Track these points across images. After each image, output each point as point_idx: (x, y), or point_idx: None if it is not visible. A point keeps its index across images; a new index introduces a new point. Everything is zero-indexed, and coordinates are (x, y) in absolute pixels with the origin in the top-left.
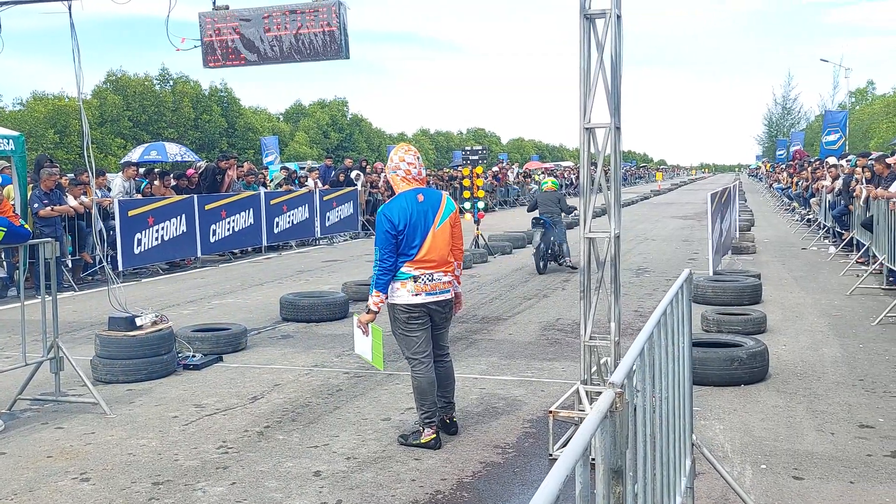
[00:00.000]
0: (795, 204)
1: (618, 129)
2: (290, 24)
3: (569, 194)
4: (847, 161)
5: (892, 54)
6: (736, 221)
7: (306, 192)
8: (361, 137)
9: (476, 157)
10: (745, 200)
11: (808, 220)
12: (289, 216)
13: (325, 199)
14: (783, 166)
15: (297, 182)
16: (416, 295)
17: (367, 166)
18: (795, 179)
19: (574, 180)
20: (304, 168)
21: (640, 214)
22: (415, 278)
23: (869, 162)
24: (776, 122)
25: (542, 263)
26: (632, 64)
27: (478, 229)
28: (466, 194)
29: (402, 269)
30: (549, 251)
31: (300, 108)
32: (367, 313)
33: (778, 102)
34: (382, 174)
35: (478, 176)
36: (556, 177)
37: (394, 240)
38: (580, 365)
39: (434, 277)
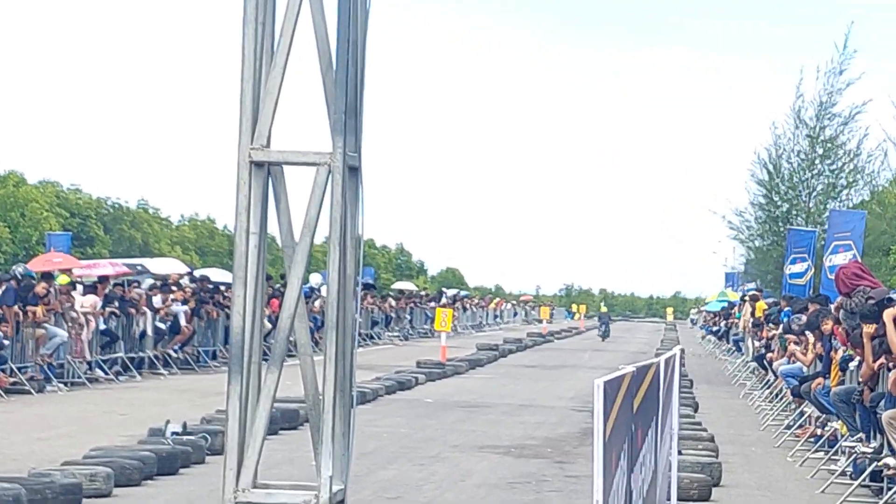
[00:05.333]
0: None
1: (354, 169)
2: None
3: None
4: None
5: None
6: (673, 472)
7: None
8: None
9: None
10: (696, 406)
11: None
12: None
13: None
14: (811, 309)
15: None
16: None
17: None
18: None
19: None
20: None
21: (397, 438)
22: None
23: None
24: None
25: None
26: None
27: None
28: None
29: None
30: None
31: None
32: None
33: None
34: None
35: None
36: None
37: None
38: None
39: None
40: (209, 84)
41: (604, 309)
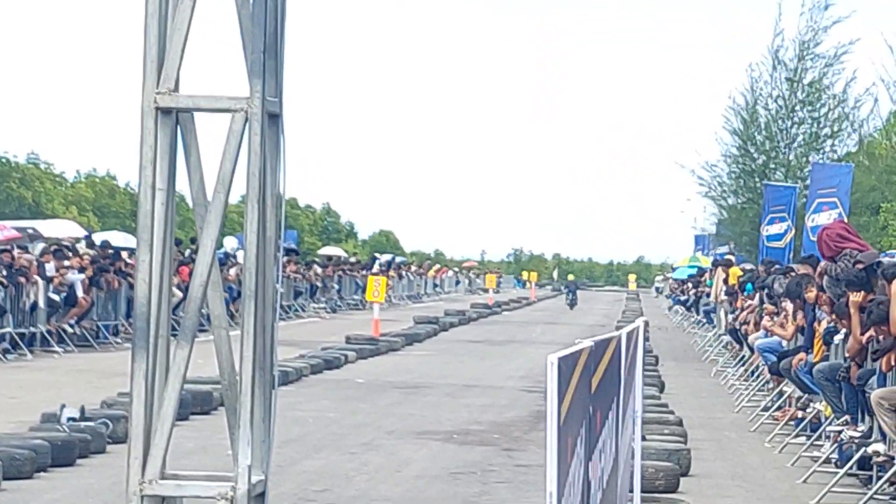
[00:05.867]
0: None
1: (274, 117)
2: None
3: None
4: None
5: None
6: (637, 460)
7: None
8: None
9: None
10: (661, 385)
11: None
12: None
13: None
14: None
15: None
16: None
17: None
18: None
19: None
20: None
21: (325, 423)
22: None
23: None
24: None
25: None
26: None
27: None
28: None
29: None
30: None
31: None
32: None
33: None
34: None
35: None
36: None
37: None
38: None
39: None
40: (108, 21)
41: (571, 277)
